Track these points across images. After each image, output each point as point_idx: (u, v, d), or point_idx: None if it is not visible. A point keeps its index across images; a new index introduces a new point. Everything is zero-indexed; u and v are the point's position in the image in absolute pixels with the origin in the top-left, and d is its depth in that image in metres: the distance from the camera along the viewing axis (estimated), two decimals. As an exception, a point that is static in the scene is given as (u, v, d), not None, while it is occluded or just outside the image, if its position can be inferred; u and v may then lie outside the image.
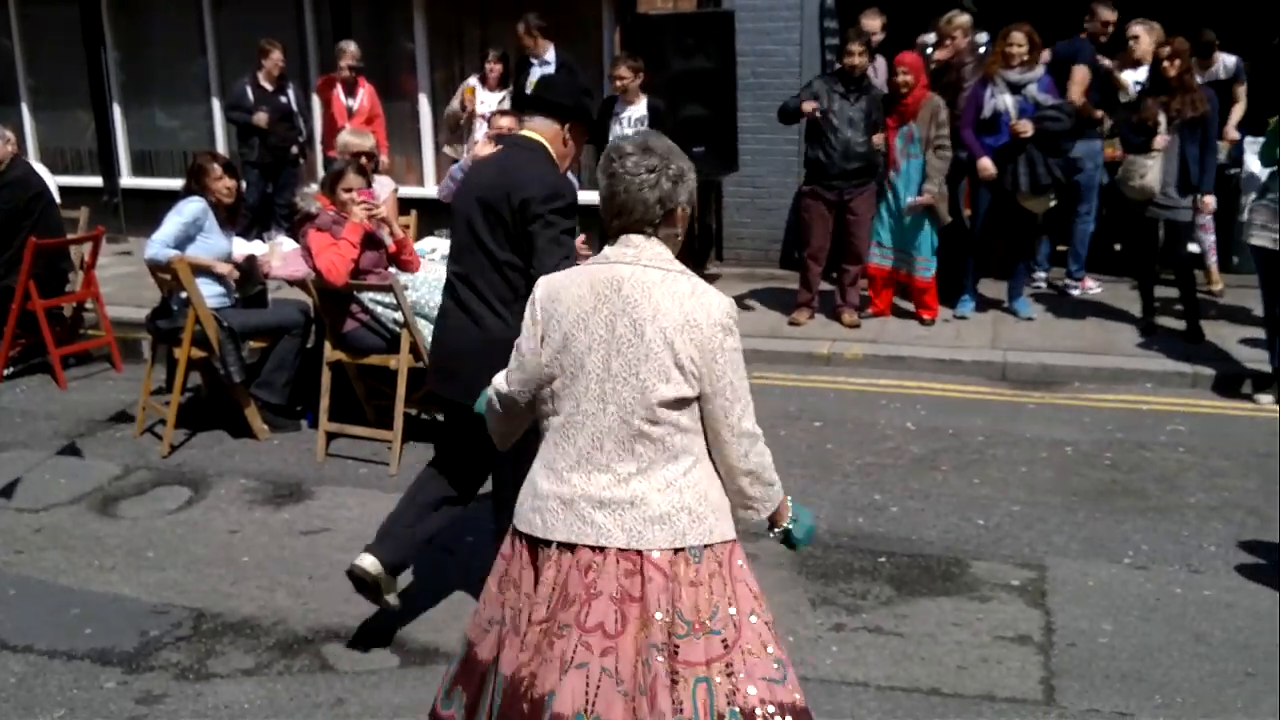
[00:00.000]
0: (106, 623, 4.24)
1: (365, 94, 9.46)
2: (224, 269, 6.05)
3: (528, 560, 2.60)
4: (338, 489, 5.46)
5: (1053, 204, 7.79)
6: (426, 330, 5.34)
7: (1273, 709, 3.57)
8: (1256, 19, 8.01)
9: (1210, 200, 7.12)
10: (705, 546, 2.52)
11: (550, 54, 8.55)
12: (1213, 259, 8.20)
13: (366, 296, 5.67)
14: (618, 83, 7.74)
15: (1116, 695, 3.67)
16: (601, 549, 2.47)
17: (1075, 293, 8.49)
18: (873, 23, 8.37)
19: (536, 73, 8.29)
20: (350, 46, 9.38)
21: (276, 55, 9.48)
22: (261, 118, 9.32)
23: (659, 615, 2.44)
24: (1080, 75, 7.91)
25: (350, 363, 5.82)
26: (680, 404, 2.51)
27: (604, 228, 2.65)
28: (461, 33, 10.46)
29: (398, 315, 5.60)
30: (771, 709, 2.47)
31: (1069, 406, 6.47)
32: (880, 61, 8.29)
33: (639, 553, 2.47)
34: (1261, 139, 6.75)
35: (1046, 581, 4.43)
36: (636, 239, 2.59)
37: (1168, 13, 8.02)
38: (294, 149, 9.70)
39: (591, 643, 2.43)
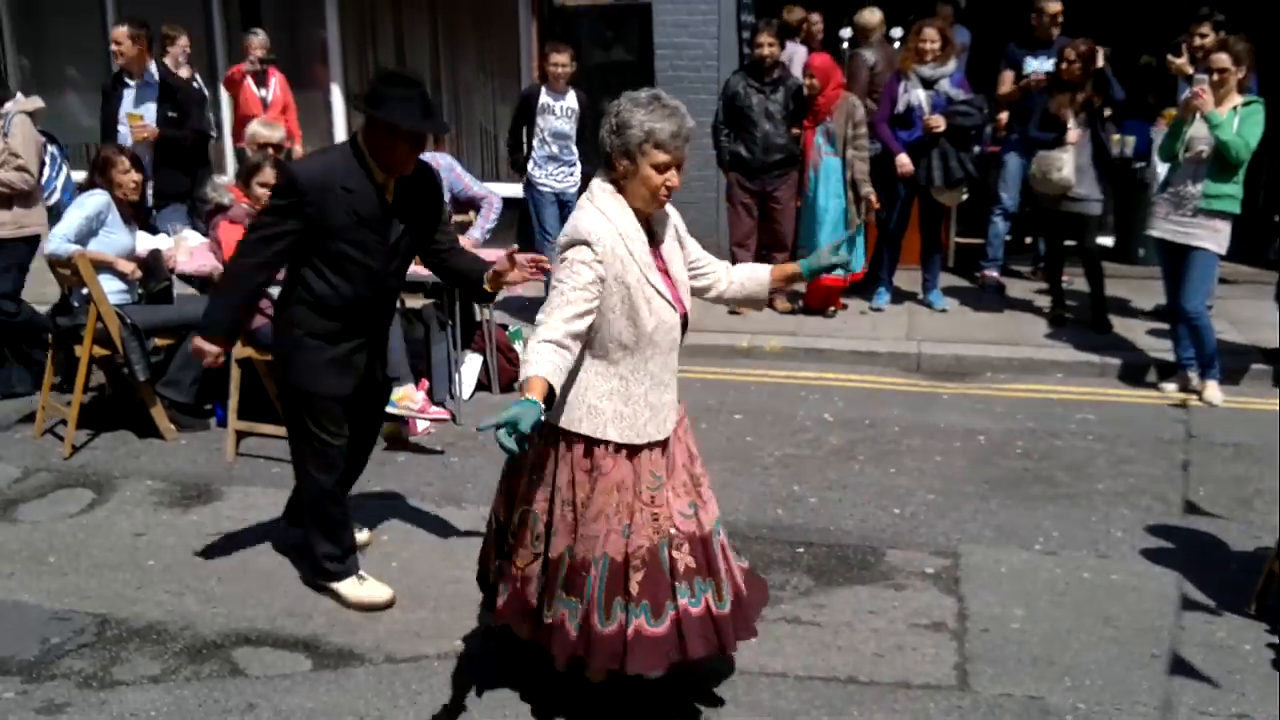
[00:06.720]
0: (5, 630, 4.08)
1: (277, 84, 9.24)
2: (126, 266, 5.88)
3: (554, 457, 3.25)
4: (248, 489, 5.33)
5: (964, 197, 7.92)
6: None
7: (1178, 688, 3.67)
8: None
9: None
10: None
11: (151, 70, 7.62)
12: None
13: (276, 292, 5.53)
14: (559, 70, 7.45)
15: (1028, 679, 3.73)
16: (600, 442, 3.18)
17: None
18: (794, 15, 8.41)
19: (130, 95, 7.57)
20: (258, 37, 9.13)
21: (184, 41, 9.19)
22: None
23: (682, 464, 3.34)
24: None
25: (260, 359, 5.68)
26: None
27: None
28: (375, 20, 10.28)
29: (310, 310, 5.47)
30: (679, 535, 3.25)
31: (982, 396, 6.58)
32: (802, 54, 8.34)
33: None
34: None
35: (960, 569, 4.49)
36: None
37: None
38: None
39: (636, 505, 3.20)
